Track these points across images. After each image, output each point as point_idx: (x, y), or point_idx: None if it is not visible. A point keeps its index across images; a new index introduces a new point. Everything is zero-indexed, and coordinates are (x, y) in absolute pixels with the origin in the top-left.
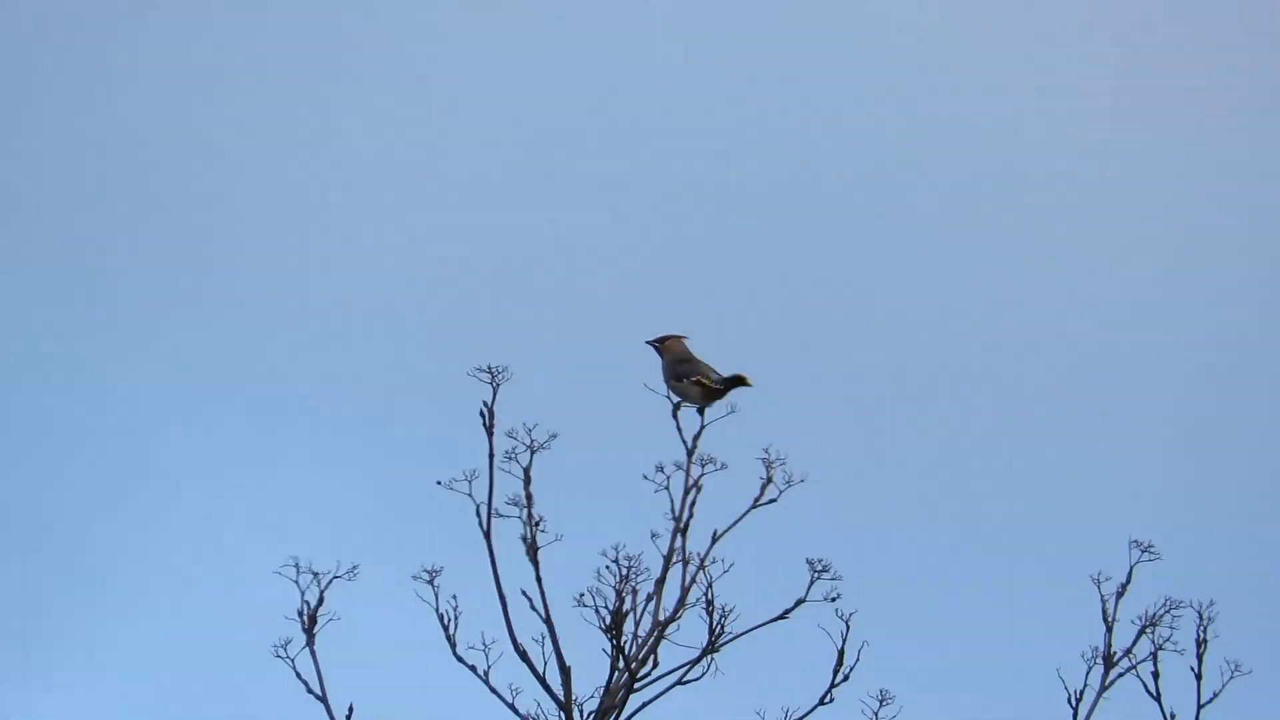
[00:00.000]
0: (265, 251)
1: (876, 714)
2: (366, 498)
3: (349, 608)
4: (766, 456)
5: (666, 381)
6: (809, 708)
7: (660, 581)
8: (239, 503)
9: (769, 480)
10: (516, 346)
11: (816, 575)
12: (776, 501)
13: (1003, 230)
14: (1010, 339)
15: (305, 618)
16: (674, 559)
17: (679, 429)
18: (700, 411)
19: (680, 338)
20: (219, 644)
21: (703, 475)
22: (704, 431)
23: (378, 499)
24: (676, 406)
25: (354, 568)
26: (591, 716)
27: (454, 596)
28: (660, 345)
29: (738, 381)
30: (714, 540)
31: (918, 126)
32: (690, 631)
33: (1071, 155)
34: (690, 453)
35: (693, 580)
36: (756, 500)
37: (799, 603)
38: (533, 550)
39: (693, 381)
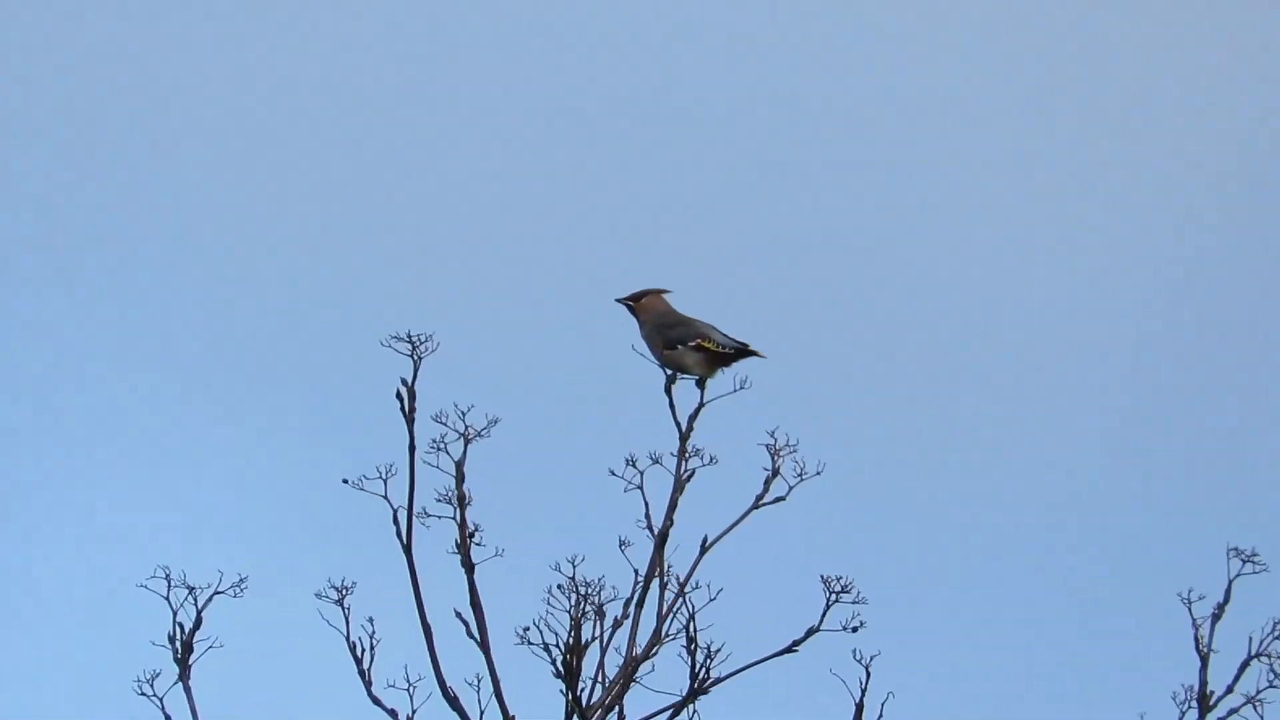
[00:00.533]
0: (129, 201)
1: None
2: (258, 497)
3: (234, 632)
4: (772, 442)
5: (652, 350)
6: None
7: (635, 604)
8: (96, 501)
9: (775, 473)
10: (445, 309)
11: (834, 597)
12: (785, 500)
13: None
14: (1074, 308)
15: (178, 644)
16: (653, 576)
17: (672, 408)
18: (699, 384)
19: (660, 292)
20: (66, 677)
21: (690, 472)
22: (702, 412)
23: (272, 498)
24: (670, 380)
25: (241, 581)
26: None
27: (370, 620)
28: (634, 304)
29: (748, 353)
30: (703, 550)
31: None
32: (667, 672)
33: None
34: (684, 439)
35: (671, 607)
36: (759, 498)
37: (811, 632)
38: (467, 566)
39: (692, 346)
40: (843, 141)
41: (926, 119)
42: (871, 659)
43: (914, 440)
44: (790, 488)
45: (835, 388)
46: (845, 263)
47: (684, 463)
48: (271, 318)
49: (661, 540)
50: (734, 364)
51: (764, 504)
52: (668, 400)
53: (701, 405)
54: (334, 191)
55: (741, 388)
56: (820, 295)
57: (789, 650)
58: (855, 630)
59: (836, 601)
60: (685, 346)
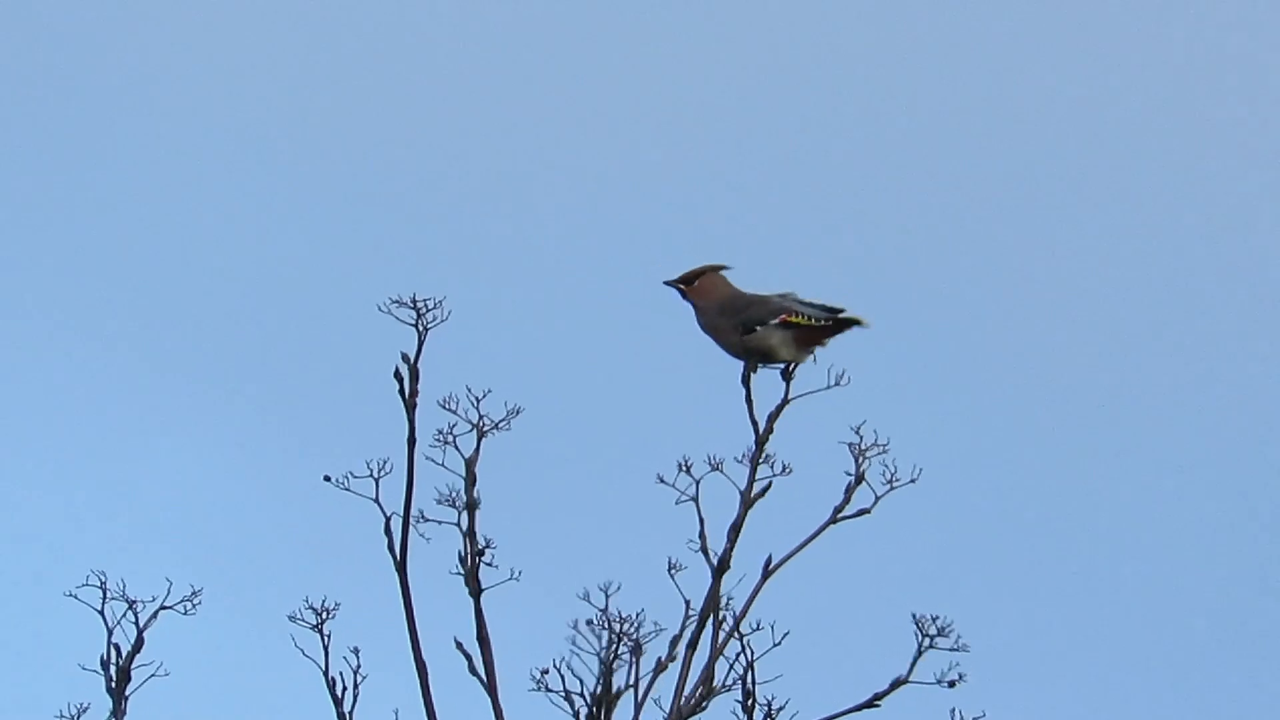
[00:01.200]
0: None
1: None
2: (219, 493)
3: (184, 657)
4: (857, 441)
5: (720, 340)
6: None
7: (687, 645)
8: (18, 492)
9: (859, 479)
10: (458, 272)
11: (927, 641)
12: (870, 513)
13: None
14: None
15: (113, 670)
16: (710, 612)
17: (749, 403)
18: (786, 374)
19: (717, 269)
20: None
21: (766, 484)
22: (786, 409)
23: (237, 496)
24: (750, 369)
25: (194, 595)
26: None
27: (354, 651)
28: (688, 287)
29: (849, 323)
30: (766, 574)
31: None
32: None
33: None
34: (761, 443)
35: (721, 649)
36: (838, 510)
37: (897, 684)
38: (474, 590)
39: (776, 324)
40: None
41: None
42: None
43: (1038, 444)
44: (877, 498)
45: (939, 376)
46: (954, 222)
47: (755, 472)
48: (240, 276)
49: (722, 567)
50: (830, 340)
51: (843, 517)
52: (745, 393)
53: (786, 401)
54: (334, 131)
55: (838, 383)
56: (923, 266)
57: (869, 705)
58: (953, 685)
59: (931, 647)
60: (768, 326)
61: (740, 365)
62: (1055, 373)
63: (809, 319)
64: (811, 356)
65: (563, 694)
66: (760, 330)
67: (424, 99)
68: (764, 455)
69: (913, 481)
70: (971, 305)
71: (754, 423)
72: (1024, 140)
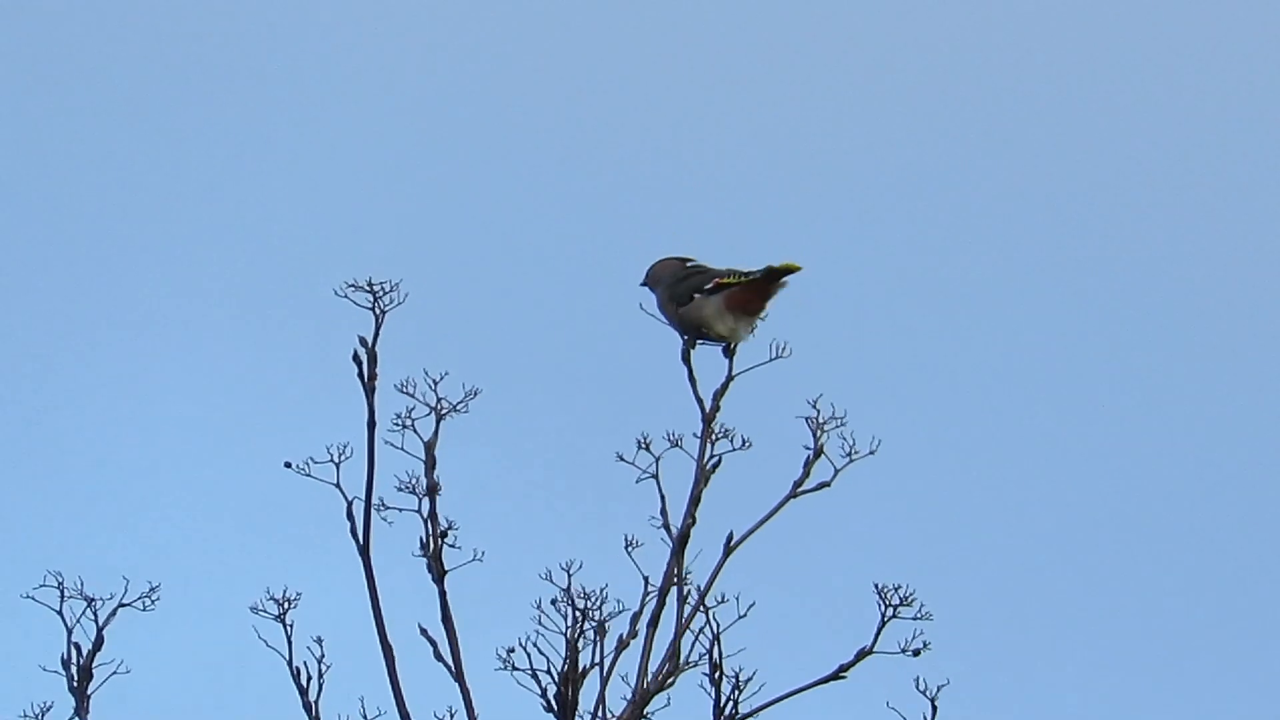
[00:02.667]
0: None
1: None
2: (176, 484)
3: (146, 655)
4: (815, 414)
5: (670, 316)
6: None
7: (649, 622)
8: None
9: (817, 453)
10: (416, 252)
11: (890, 611)
12: (830, 486)
13: None
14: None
15: (74, 669)
16: (670, 586)
17: (692, 381)
18: (728, 351)
19: (676, 261)
20: None
21: (716, 459)
22: (732, 386)
23: (194, 486)
24: (689, 345)
25: (152, 591)
26: None
27: (318, 640)
28: (650, 281)
29: (781, 271)
30: (728, 550)
31: None
32: (686, 704)
33: None
34: (709, 419)
35: (688, 623)
36: (798, 485)
37: (862, 655)
38: (437, 572)
39: (709, 289)
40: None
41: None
42: (939, 690)
43: (999, 414)
44: (836, 471)
45: (897, 346)
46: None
47: (709, 448)
48: (193, 262)
49: (682, 541)
50: (768, 303)
51: (803, 491)
52: (686, 371)
53: (730, 378)
54: (289, 113)
55: (780, 355)
56: (878, 235)
57: (835, 677)
58: (917, 654)
59: (894, 617)
60: (703, 294)
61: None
62: (1013, 338)
63: (740, 277)
64: (751, 330)
65: (529, 673)
66: (696, 299)
67: (381, 78)
68: (721, 431)
69: (871, 453)
70: (927, 273)
71: (699, 400)
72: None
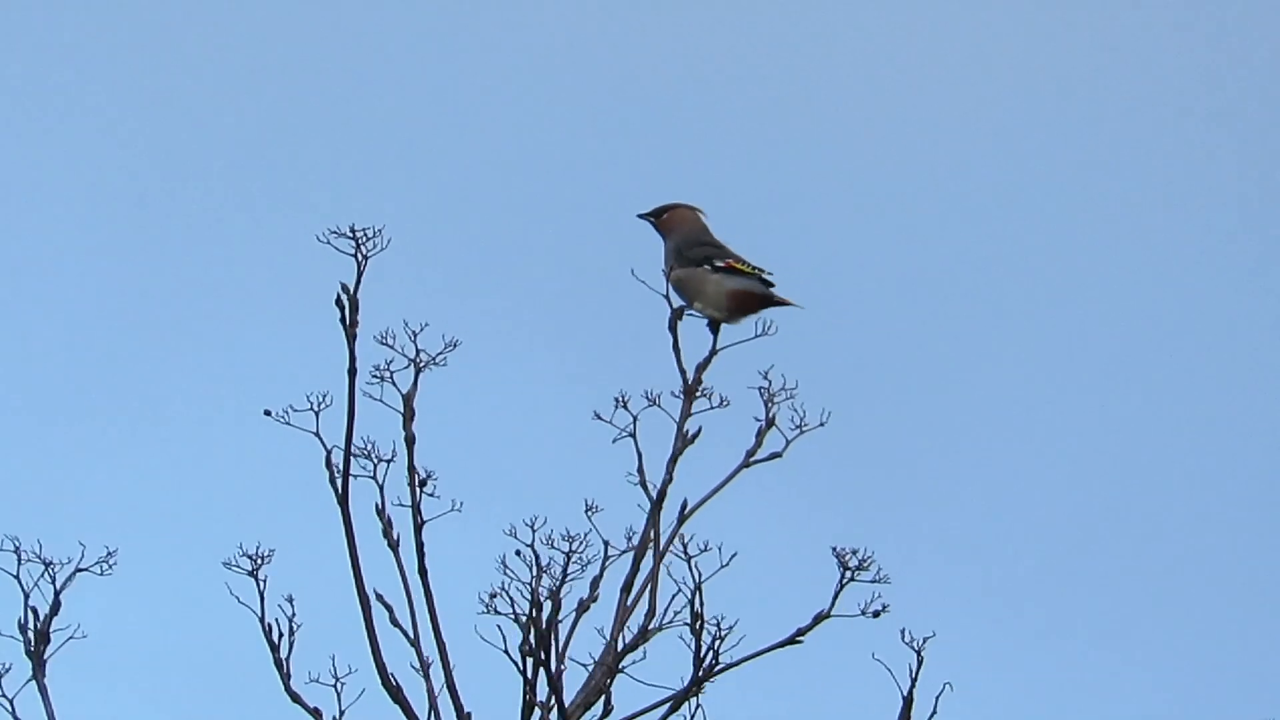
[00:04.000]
0: None
1: None
2: (140, 439)
3: (107, 619)
4: (766, 386)
5: (672, 269)
6: None
7: (626, 587)
8: None
9: (769, 423)
10: (398, 196)
11: (849, 575)
12: (781, 457)
13: None
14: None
15: (31, 633)
16: (648, 544)
17: (676, 350)
18: (713, 327)
19: (693, 209)
20: None
21: (698, 430)
22: (715, 359)
23: (162, 437)
24: (678, 313)
25: (109, 556)
26: None
27: (289, 598)
28: (659, 220)
29: (782, 301)
30: (683, 516)
31: None
32: (662, 659)
33: None
34: (690, 394)
35: (654, 574)
36: (750, 454)
37: (820, 619)
38: (415, 525)
39: (721, 266)
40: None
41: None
42: (925, 641)
43: (947, 388)
44: (788, 442)
45: (853, 324)
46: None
47: (687, 417)
48: (174, 208)
49: (659, 499)
50: (761, 310)
51: (755, 461)
52: (672, 340)
53: (714, 352)
54: (270, 60)
55: (765, 332)
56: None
57: (792, 641)
58: (877, 615)
59: (852, 580)
60: (711, 267)
61: (668, 311)
62: (961, 308)
63: (751, 269)
64: (741, 322)
65: (512, 616)
66: (705, 268)
67: (362, 23)
68: (697, 395)
69: (821, 425)
70: (874, 246)
71: (682, 371)
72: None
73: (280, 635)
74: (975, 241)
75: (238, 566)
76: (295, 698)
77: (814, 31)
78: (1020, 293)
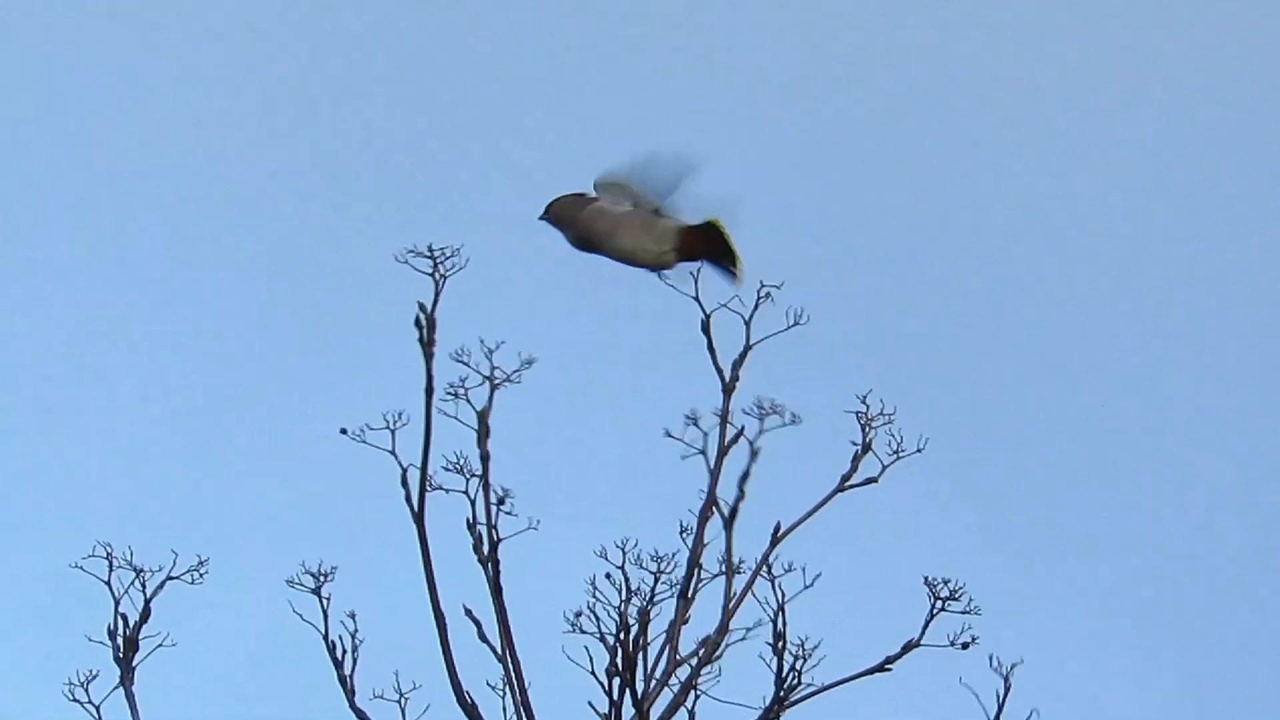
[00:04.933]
0: None
1: None
2: (223, 454)
3: (189, 627)
4: (863, 410)
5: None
6: None
7: (684, 596)
8: (18, 459)
9: (865, 448)
10: (475, 215)
11: (939, 604)
12: (877, 482)
13: None
14: None
15: (120, 640)
16: (701, 560)
17: (711, 351)
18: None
19: (581, 199)
20: None
21: (737, 432)
22: (751, 353)
23: (241, 456)
24: (664, 268)
25: (201, 564)
26: None
27: (352, 615)
28: (554, 217)
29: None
30: (775, 539)
31: None
32: (740, 678)
33: None
34: (729, 387)
35: (742, 595)
36: (846, 479)
37: (909, 647)
38: (491, 543)
39: (626, 216)
40: None
41: None
42: (1012, 668)
43: (1050, 413)
44: (884, 467)
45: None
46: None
47: (727, 423)
48: (247, 230)
49: (731, 517)
50: (701, 257)
51: (850, 486)
52: (706, 341)
53: (749, 347)
54: (341, 78)
55: (797, 323)
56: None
57: (881, 668)
58: (965, 647)
59: (943, 610)
60: (613, 217)
61: (700, 316)
62: (1061, 331)
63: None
64: (672, 266)
65: (597, 636)
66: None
67: (439, 38)
68: (770, 407)
69: (919, 451)
70: (969, 264)
71: (719, 370)
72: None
73: (344, 652)
74: (1090, 251)
75: (300, 584)
76: (360, 714)
77: None
78: (1142, 309)
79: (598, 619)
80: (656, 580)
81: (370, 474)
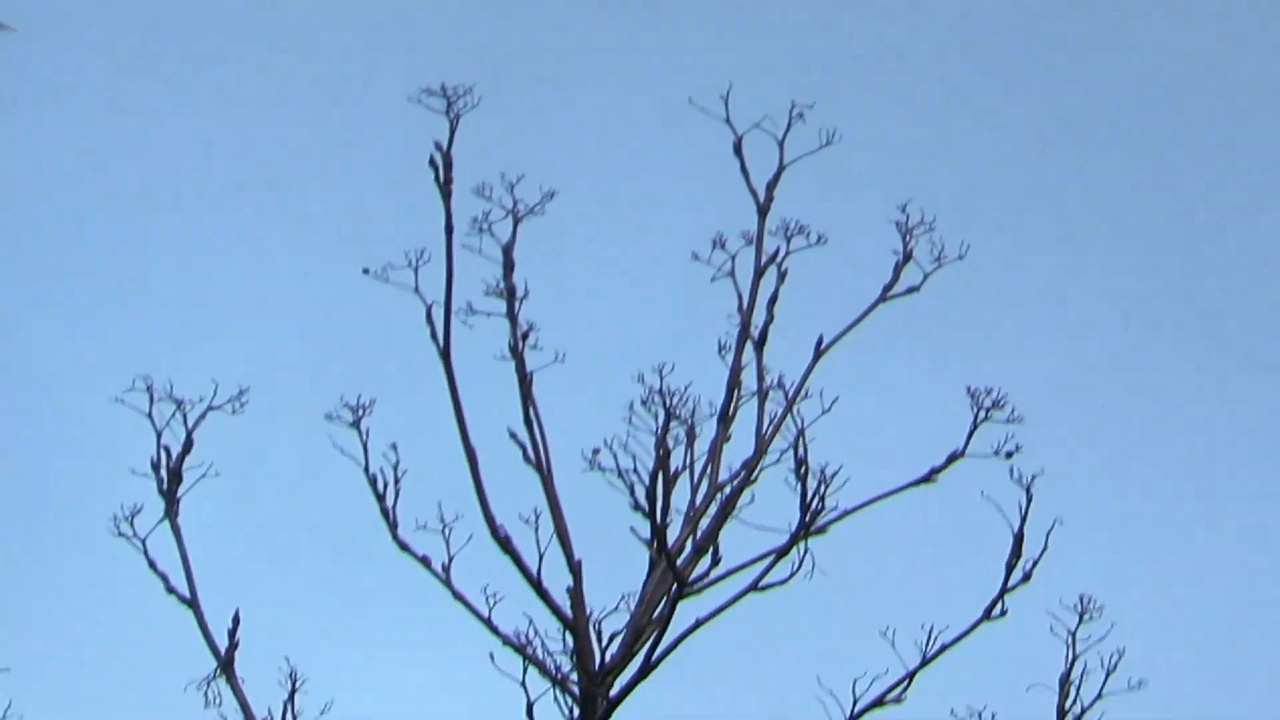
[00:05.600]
0: None
1: (1073, 633)
2: (260, 292)
3: (231, 459)
4: (904, 219)
5: None
6: (967, 625)
7: (723, 418)
8: (59, 295)
9: (907, 257)
10: (491, 51)
11: (983, 414)
12: (919, 291)
13: None
14: None
15: (163, 472)
16: (741, 385)
17: (745, 172)
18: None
19: None
20: (20, 516)
21: (774, 254)
22: (784, 175)
23: (277, 294)
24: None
25: (240, 395)
26: (616, 640)
27: (393, 447)
28: None
29: None
30: (818, 353)
31: None
32: (772, 504)
33: None
34: (764, 209)
35: (776, 424)
36: (888, 288)
37: (954, 458)
38: (521, 377)
39: None
40: None
41: None
42: (1033, 478)
43: (1081, 215)
44: (926, 275)
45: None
46: None
47: (762, 245)
48: (275, 66)
49: (762, 340)
50: None
51: (893, 296)
52: (739, 163)
53: (782, 168)
54: None
55: (830, 142)
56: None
57: (925, 480)
58: (1010, 456)
59: (986, 420)
60: None
61: (732, 139)
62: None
63: None
64: None
65: (615, 473)
66: None
67: None
68: (795, 227)
69: (960, 258)
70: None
71: (753, 191)
72: None
73: (385, 485)
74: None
75: (339, 418)
76: (404, 546)
77: None
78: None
79: (614, 456)
80: (670, 415)
81: (401, 312)
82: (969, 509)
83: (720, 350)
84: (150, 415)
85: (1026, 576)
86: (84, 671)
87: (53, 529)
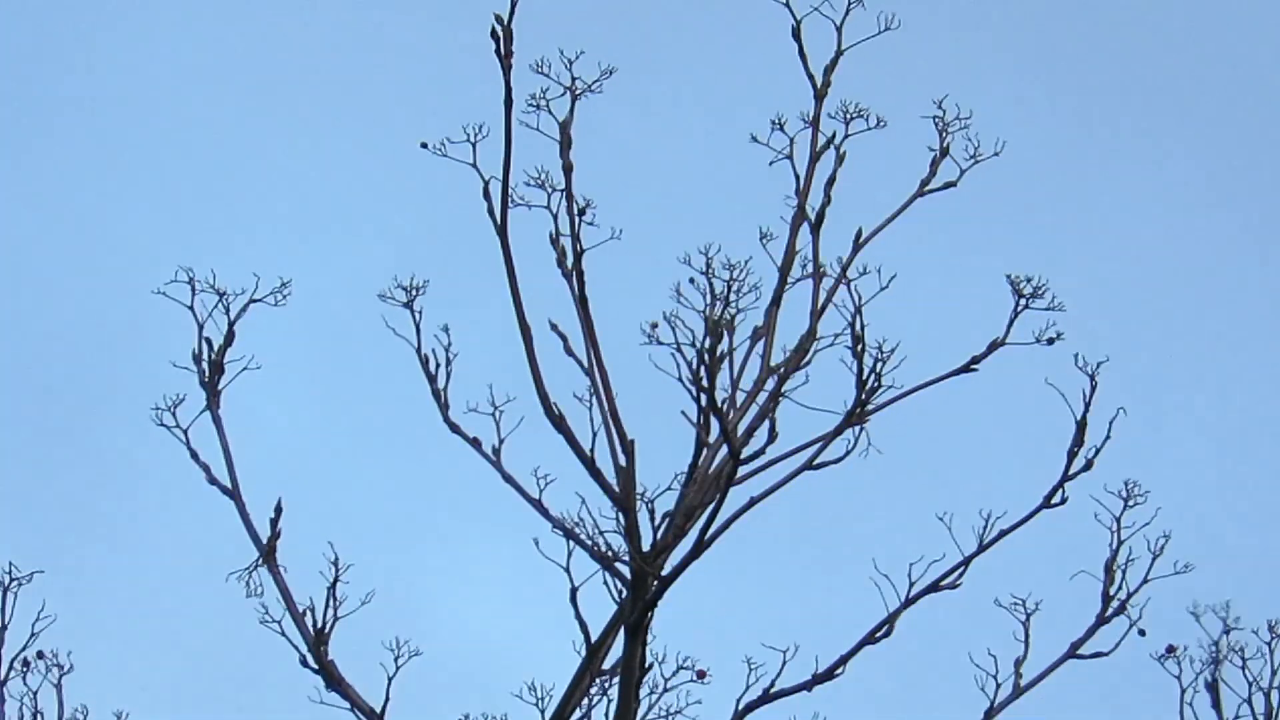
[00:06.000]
0: None
1: (1118, 519)
2: (307, 171)
3: (276, 348)
4: (940, 115)
5: None
6: (1026, 512)
7: (775, 302)
8: (100, 185)
9: (944, 152)
10: None
11: (1023, 303)
12: (955, 186)
13: None
14: None
15: (205, 364)
16: (795, 265)
17: (802, 56)
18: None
19: None
20: (62, 406)
21: (844, 137)
22: (841, 59)
23: (325, 171)
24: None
25: (284, 286)
26: (666, 519)
27: (445, 328)
28: None
29: None
30: (858, 244)
31: None
32: (825, 385)
33: None
34: (821, 93)
35: (827, 301)
36: (924, 183)
37: (994, 346)
38: (575, 254)
39: None
40: None
41: None
42: (1098, 365)
43: (1119, 109)
44: (963, 171)
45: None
46: None
47: (818, 129)
48: None
49: (818, 222)
50: None
51: (929, 190)
52: (797, 47)
53: (840, 52)
54: None
55: (888, 28)
56: None
57: (967, 369)
58: (1051, 343)
59: (1026, 308)
60: None
61: (790, 23)
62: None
63: None
64: None
65: (673, 346)
66: None
67: None
68: (855, 110)
69: (996, 155)
70: None
71: (810, 76)
72: None
73: (437, 366)
74: None
75: (392, 298)
76: (454, 428)
77: None
78: None
79: (671, 328)
80: (729, 289)
81: (454, 189)
82: (1016, 397)
83: (762, 238)
84: (191, 307)
85: (1088, 464)
86: (125, 562)
87: (94, 420)
